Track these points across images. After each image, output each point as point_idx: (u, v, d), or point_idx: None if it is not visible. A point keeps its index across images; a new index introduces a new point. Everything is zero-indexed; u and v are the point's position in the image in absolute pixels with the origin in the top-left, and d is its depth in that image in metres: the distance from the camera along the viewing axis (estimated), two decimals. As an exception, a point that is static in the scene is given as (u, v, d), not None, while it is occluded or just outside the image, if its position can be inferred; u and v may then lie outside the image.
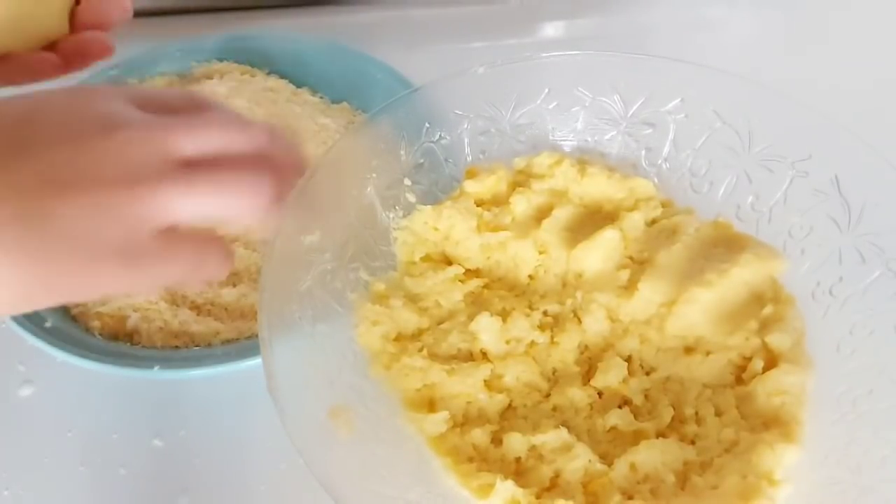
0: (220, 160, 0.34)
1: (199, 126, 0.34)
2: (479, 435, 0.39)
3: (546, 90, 0.49)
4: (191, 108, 0.36)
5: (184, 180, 0.33)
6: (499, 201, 0.47)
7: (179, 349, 0.46)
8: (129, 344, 0.47)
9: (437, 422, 0.39)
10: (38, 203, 0.30)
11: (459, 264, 0.46)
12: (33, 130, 0.31)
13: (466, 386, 0.40)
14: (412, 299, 0.44)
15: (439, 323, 0.43)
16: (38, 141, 0.31)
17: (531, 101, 0.49)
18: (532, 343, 0.42)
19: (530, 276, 0.45)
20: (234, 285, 0.49)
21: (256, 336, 0.36)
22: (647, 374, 0.42)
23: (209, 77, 0.60)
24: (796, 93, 0.44)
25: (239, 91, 0.56)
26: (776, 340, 0.40)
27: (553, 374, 0.42)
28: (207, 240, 0.35)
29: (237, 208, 0.34)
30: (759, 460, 0.36)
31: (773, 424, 0.38)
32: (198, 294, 0.48)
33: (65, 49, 0.43)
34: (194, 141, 0.33)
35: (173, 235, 0.33)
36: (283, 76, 0.61)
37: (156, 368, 0.43)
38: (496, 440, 0.39)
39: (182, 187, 0.32)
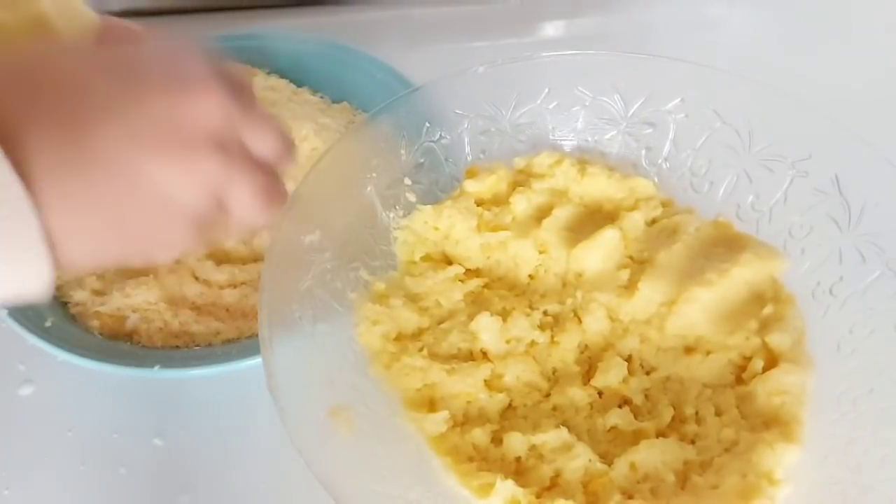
0: (268, 167, 0.37)
1: (266, 127, 0.37)
2: (480, 434, 0.39)
3: (546, 90, 0.49)
4: (245, 90, 0.37)
5: (250, 171, 0.36)
6: (499, 201, 0.47)
7: (180, 348, 0.46)
8: (129, 343, 0.47)
9: (438, 421, 0.39)
10: (123, 159, 0.31)
11: (460, 264, 0.46)
12: (128, 78, 0.33)
13: (466, 385, 0.40)
14: (412, 299, 0.44)
15: (439, 322, 0.43)
16: (131, 91, 0.32)
17: (531, 100, 0.49)
18: (532, 342, 0.42)
19: (530, 276, 0.45)
20: (235, 286, 0.49)
21: (257, 335, 0.36)
22: (648, 373, 0.42)
23: (209, 76, 0.60)
24: (796, 92, 0.44)
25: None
26: (776, 340, 0.40)
27: (553, 373, 0.42)
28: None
29: (257, 216, 0.37)
30: (759, 460, 0.36)
31: (774, 424, 0.38)
32: (198, 295, 0.48)
33: None
34: (258, 139, 0.36)
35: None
36: (283, 76, 0.61)
37: (156, 368, 0.43)
38: (496, 440, 0.39)
39: (248, 176, 0.35)
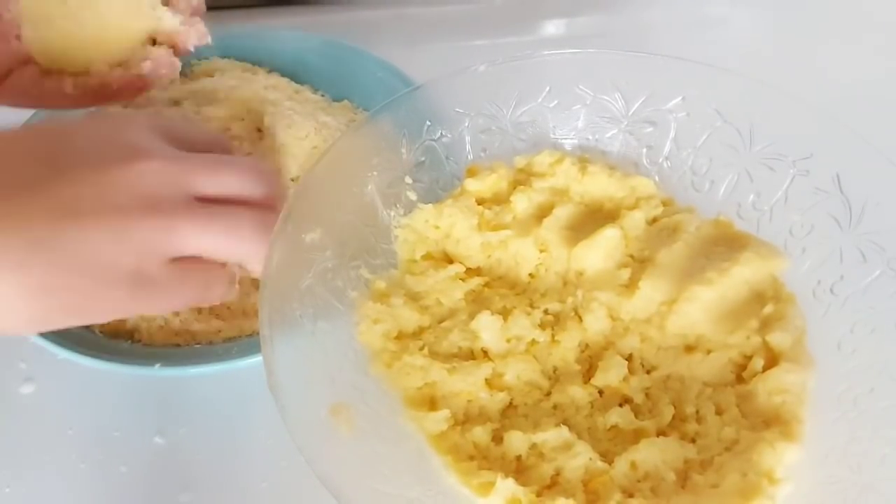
0: (233, 203, 0.36)
1: (219, 168, 0.36)
2: (480, 433, 0.39)
3: (547, 88, 0.49)
4: (214, 150, 0.37)
5: (201, 217, 0.35)
6: (500, 199, 0.47)
7: (181, 347, 0.46)
8: (129, 342, 0.47)
9: (438, 420, 0.39)
10: (51, 229, 0.31)
11: (460, 262, 0.46)
12: (58, 157, 0.33)
13: (467, 384, 0.40)
14: (413, 297, 0.44)
15: (440, 321, 0.43)
16: (61, 168, 0.32)
17: (532, 99, 0.49)
18: (533, 341, 0.42)
19: (531, 275, 0.45)
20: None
21: (258, 334, 0.36)
22: (648, 372, 0.42)
23: (209, 75, 0.60)
24: (797, 91, 0.44)
25: (240, 89, 0.56)
26: (777, 339, 0.40)
27: (554, 372, 0.42)
28: (213, 267, 0.37)
29: (241, 251, 0.37)
30: (759, 459, 0.36)
31: (774, 423, 0.38)
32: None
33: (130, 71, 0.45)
34: (212, 182, 0.36)
35: (182, 263, 0.35)
36: (283, 74, 0.61)
37: (157, 366, 0.43)
38: (497, 438, 0.39)
39: (199, 223, 0.35)
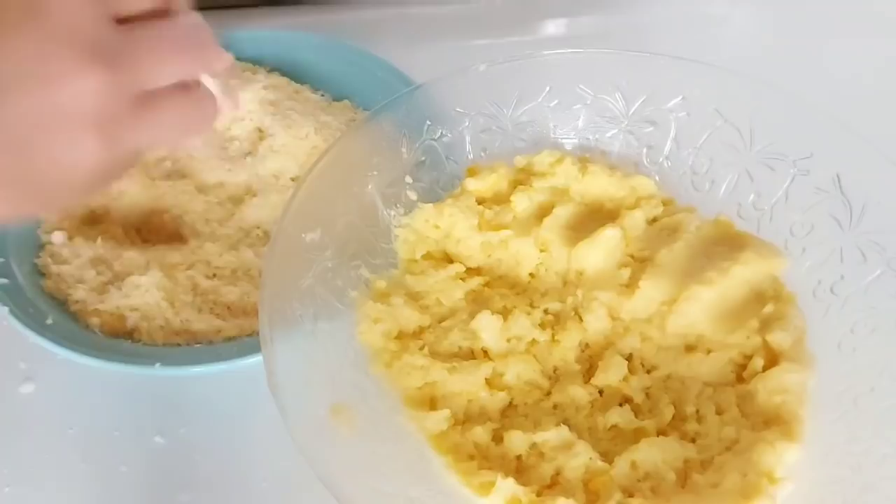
0: (174, 92, 0.34)
1: (164, 54, 0.33)
2: (480, 433, 0.39)
3: (547, 88, 0.49)
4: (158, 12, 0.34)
5: (151, 119, 0.33)
6: (500, 199, 0.47)
7: (181, 346, 0.46)
8: (129, 341, 0.47)
9: (438, 420, 0.39)
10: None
11: (460, 262, 0.46)
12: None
13: (467, 384, 0.40)
14: (413, 297, 0.44)
15: (440, 321, 0.43)
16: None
17: (532, 98, 0.49)
18: (533, 341, 0.42)
19: (531, 275, 0.45)
20: (236, 284, 0.49)
21: (258, 334, 0.36)
22: (648, 372, 0.42)
23: (210, 74, 0.60)
24: (798, 91, 0.44)
25: (240, 89, 0.56)
26: (777, 339, 0.40)
27: (554, 372, 0.42)
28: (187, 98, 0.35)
29: (179, 140, 0.37)
30: (759, 458, 0.36)
31: (774, 422, 0.38)
32: (200, 293, 0.48)
33: None
34: (156, 74, 0.33)
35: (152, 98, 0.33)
36: (284, 74, 0.61)
37: (157, 365, 0.43)
38: (497, 438, 0.39)
39: (151, 125, 0.33)
